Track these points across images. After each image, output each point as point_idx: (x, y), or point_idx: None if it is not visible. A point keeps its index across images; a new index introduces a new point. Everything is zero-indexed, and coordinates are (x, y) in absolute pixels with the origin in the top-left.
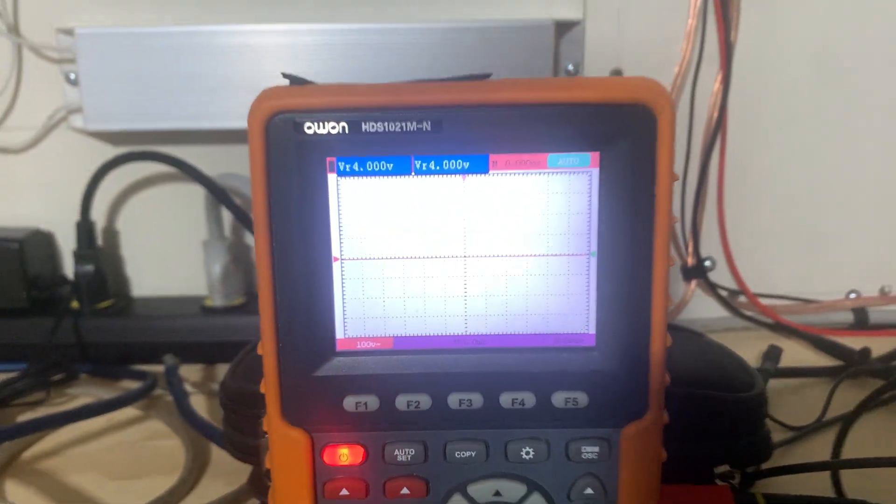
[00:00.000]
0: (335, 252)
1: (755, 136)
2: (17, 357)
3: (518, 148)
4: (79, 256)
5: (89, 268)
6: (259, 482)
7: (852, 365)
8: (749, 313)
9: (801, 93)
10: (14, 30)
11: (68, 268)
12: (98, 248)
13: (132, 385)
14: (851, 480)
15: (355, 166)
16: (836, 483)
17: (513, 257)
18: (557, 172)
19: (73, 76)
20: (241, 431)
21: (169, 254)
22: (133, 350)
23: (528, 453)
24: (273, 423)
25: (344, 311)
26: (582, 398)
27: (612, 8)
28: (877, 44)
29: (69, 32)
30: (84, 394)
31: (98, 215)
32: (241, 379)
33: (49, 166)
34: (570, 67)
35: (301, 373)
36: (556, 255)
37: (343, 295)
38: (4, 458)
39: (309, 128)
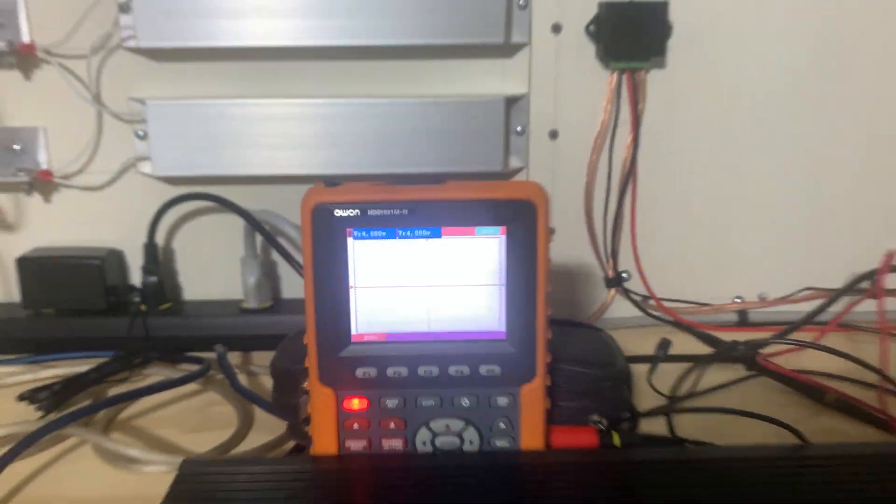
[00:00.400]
0: (351, 283)
1: (659, 180)
2: (99, 347)
3: (458, 223)
4: (145, 270)
5: (153, 279)
6: (296, 431)
7: (723, 353)
8: (656, 314)
9: (694, 148)
10: (97, 99)
11: (135, 278)
12: (159, 263)
13: (191, 367)
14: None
15: (363, 233)
16: (670, 426)
17: (457, 286)
18: (481, 237)
19: (141, 133)
20: (285, 394)
21: (213, 267)
22: (188, 341)
23: (465, 402)
24: (313, 384)
25: (356, 317)
26: (497, 369)
27: (550, 85)
28: (751, 108)
29: (141, 101)
30: (156, 374)
31: (159, 237)
32: (284, 360)
33: (122, 201)
34: (518, 129)
35: (331, 354)
36: (481, 285)
37: (356, 308)
38: (106, 420)
39: (337, 212)
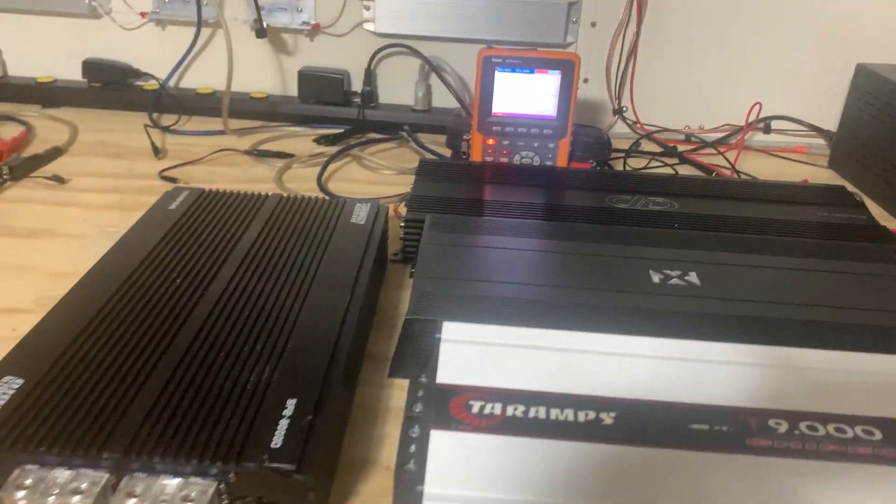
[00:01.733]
0: (494, 90)
1: (649, 53)
2: (340, 124)
3: (542, 68)
4: (364, 83)
5: (368, 88)
6: (455, 156)
7: (673, 152)
8: (640, 132)
9: (669, 37)
10: None
11: (357, 87)
12: (371, 81)
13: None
14: None
15: (501, 69)
16: (623, 165)
17: (539, 96)
18: (551, 75)
19: (367, 7)
20: (455, 140)
21: (400, 85)
22: (386, 125)
23: (535, 144)
24: (473, 133)
25: (495, 104)
26: (550, 131)
27: None
28: (706, 11)
29: None
30: (373, 138)
31: (373, 66)
32: (452, 126)
33: (353, 44)
34: (574, 20)
35: (483, 119)
36: (548, 95)
37: (495, 100)
38: (351, 158)
39: (493, 59)
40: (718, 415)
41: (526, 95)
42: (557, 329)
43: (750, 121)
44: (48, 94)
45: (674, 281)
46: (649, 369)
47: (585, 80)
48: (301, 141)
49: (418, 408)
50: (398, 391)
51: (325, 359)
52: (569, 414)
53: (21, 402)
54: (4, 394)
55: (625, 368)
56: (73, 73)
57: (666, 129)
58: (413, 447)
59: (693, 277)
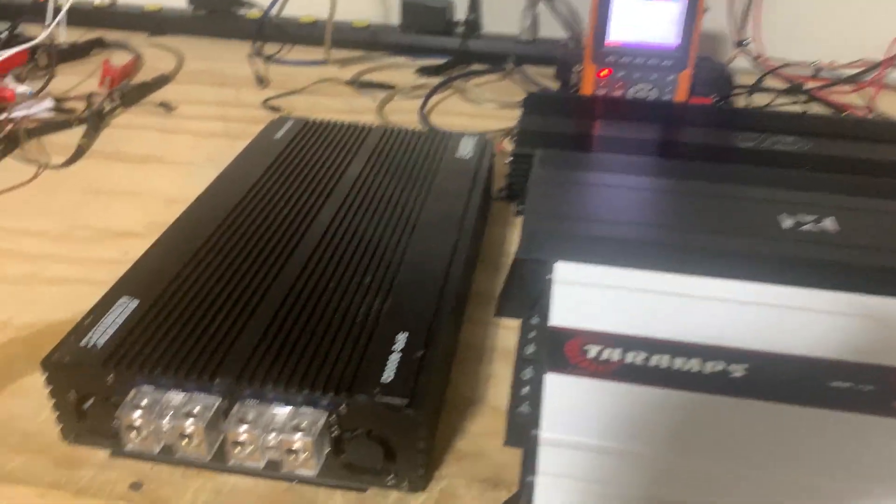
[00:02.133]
0: (609, 16)
1: None
2: (441, 55)
3: None
4: (469, 11)
5: (472, 17)
6: (563, 89)
7: (800, 89)
8: (762, 66)
9: None
10: None
11: (460, 16)
12: (477, 8)
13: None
14: None
15: None
16: (747, 104)
17: (660, 20)
18: (674, 0)
19: None
20: (565, 72)
21: (506, 13)
22: (490, 56)
23: (653, 76)
24: (586, 63)
25: (609, 33)
26: (670, 63)
27: None
28: None
29: None
30: (476, 70)
31: None
32: (563, 57)
33: None
34: None
35: (596, 49)
36: (671, 22)
37: (609, 28)
38: (453, 90)
39: None
40: (862, 373)
41: (645, 23)
42: (679, 273)
43: (889, 55)
44: (155, 22)
45: (808, 227)
46: (784, 320)
47: (706, 9)
48: (402, 72)
49: (530, 349)
50: (504, 330)
51: (435, 294)
52: (694, 364)
53: (137, 322)
54: (122, 314)
55: (757, 318)
56: (178, 0)
57: (790, 64)
58: (526, 389)
59: (829, 223)
